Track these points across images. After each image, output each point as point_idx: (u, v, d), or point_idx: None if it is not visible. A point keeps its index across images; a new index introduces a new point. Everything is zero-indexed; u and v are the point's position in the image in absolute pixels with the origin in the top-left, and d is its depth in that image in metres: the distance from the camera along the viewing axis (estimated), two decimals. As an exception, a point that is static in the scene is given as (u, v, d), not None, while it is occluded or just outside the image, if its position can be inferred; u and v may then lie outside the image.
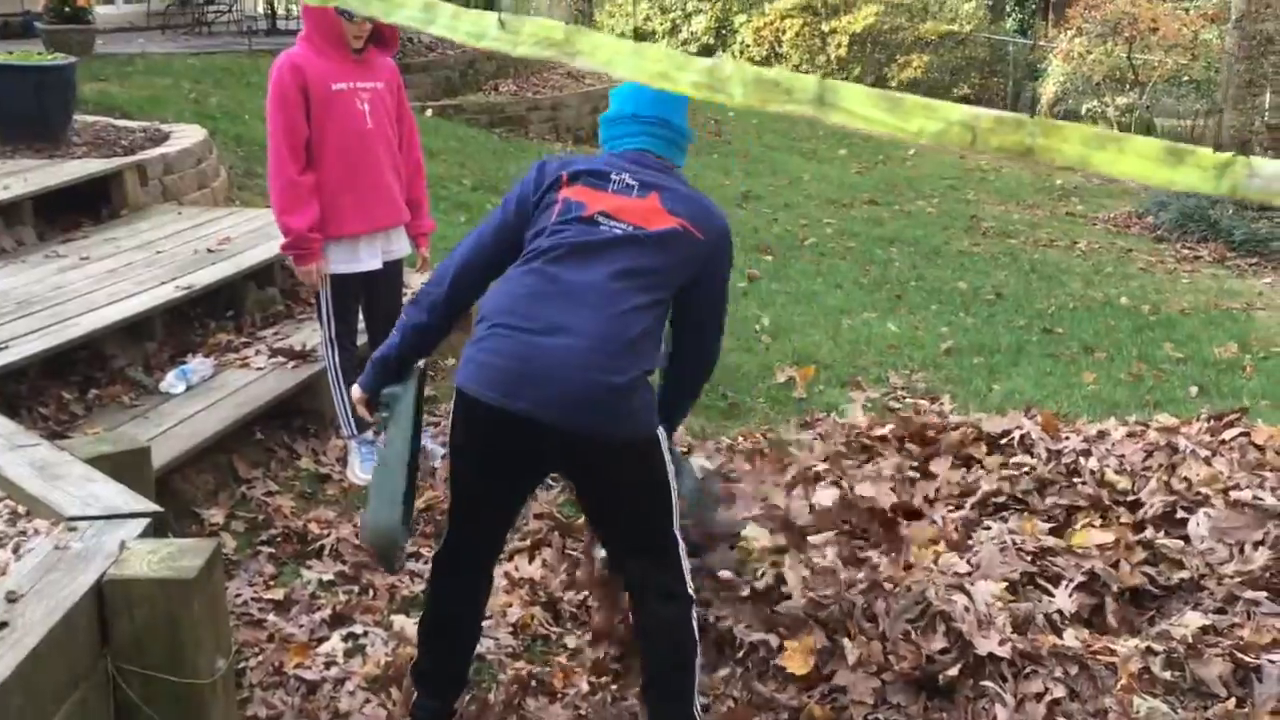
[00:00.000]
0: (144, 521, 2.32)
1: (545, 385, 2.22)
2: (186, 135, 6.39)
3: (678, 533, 2.39)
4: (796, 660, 2.57)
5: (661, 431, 2.36)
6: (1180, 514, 2.99)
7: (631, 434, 2.29)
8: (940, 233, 9.40)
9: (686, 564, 2.41)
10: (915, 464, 3.44)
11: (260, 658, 2.85)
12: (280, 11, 12.61)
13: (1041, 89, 14.90)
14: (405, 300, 4.21)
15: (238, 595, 3.11)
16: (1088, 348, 6.27)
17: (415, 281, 4.73)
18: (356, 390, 2.62)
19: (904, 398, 5.17)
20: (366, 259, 3.78)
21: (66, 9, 8.98)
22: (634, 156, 2.46)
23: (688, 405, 2.67)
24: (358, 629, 2.99)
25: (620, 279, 2.29)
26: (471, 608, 2.56)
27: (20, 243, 4.82)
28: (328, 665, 2.84)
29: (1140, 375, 5.80)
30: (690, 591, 2.40)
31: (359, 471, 3.88)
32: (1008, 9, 19.04)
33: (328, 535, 3.49)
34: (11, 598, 2.01)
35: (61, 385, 3.78)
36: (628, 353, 2.25)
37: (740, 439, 4.45)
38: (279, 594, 3.16)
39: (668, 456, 2.37)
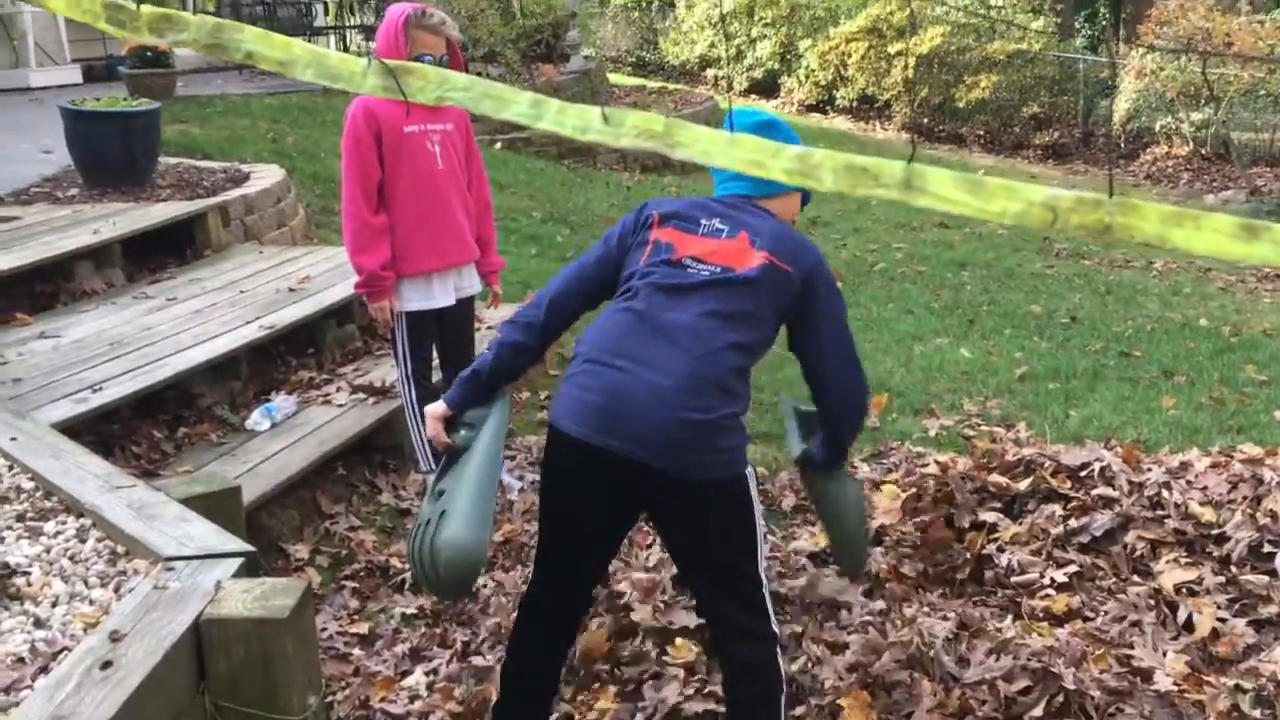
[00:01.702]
0: (237, 561, 2.40)
1: (634, 422, 2.24)
2: (265, 175, 6.56)
3: (762, 573, 2.39)
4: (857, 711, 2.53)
5: (750, 472, 2.36)
6: (1267, 548, 2.93)
7: (718, 474, 2.29)
8: (1012, 255, 9.30)
9: (770, 604, 2.41)
10: (997, 503, 3.41)
11: (347, 692, 2.91)
12: (352, 50, 12.89)
13: (1114, 106, 14.69)
14: (479, 336, 4.31)
15: (323, 630, 3.19)
16: (1167, 371, 6.16)
17: (488, 317, 4.83)
18: (440, 406, 2.56)
19: (978, 425, 5.12)
20: (440, 296, 3.86)
21: (149, 53, 9.28)
22: (730, 200, 2.48)
23: (839, 445, 2.63)
24: (440, 664, 3.04)
25: (710, 319, 2.30)
26: (553, 657, 2.56)
27: (110, 284, 4.98)
28: (412, 700, 2.89)
29: (1222, 399, 5.68)
30: (774, 629, 2.39)
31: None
32: (1077, 26, 18.83)
33: (409, 570, 3.55)
34: (115, 637, 2.09)
35: (152, 424, 3.90)
36: (716, 392, 2.26)
37: (813, 470, 4.45)
38: (363, 628, 3.22)
39: (755, 497, 2.37)
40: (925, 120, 15.62)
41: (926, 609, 2.79)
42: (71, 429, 3.41)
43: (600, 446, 2.26)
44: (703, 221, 2.43)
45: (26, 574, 2.45)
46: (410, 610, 3.34)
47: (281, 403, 4.14)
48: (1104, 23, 20.63)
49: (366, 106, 3.71)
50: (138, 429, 3.83)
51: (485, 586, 3.45)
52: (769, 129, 2.49)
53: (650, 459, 2.24)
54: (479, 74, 10.88)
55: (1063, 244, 9.88)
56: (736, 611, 2.36)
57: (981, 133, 15.45)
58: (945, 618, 2.70)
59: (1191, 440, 4.77)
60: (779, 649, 2.41)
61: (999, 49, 15.21)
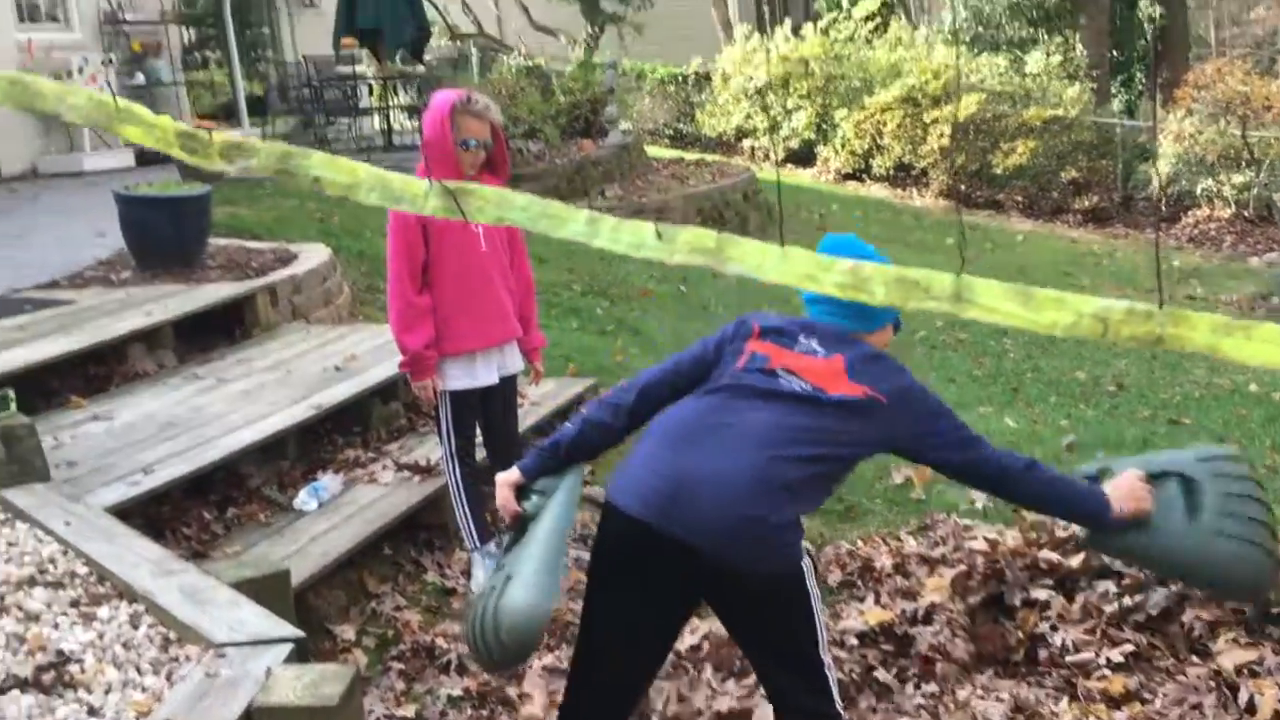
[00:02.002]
0: (287, 646, 2.41)
1: (697, 510, 2.25)
2: (313, 255, 6.68)
3: (824, 655, 2.37)
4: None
5: (808, 563, 2.36)
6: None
7: (776, 567, 2.29)
8: (1055, 321, 9.24)
9: (834, 685, 2.39)
10: (1049, 580, 3.35)
11: (394, 777, 2.89)
12: (395, 127, 13.17)
13: (1153, 170, 14.66)
14: (521, 412, 4.33)
15: (370, 712, 3.18)
16: (1218, 439, 6.07)
17: (530, 393, 4.84)
18: (513, 473, 2.57)
19: (1026, 497, 5.06)
20: (483, 375, 3.90)
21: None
22: (821, 326, 2.51)
23: (1084, 522, 2.70)
24: (487, 748, 3.02)
25: (791, 429, 2.32)
26: None
27: (161, 366, 5.07)
28: (459, 784, 2.87)
29: (1276, 468, 5.58)
30: (839, 711, 2.37)
31: (483, 584, 3.94)
32: (1113, 91, 18.88)
33: (454, 650, 3.54)
34: (167, 727, 2.10)
35: (202, 505, 3.94)
36: (782, 493, 2.27)
37: (860, 543, 4.42)
38: (410, 710, 3.21)
39: (813, 584, 2.37)
40: (963, 187, 15.66)
41: (980, 691, 2.74)
42: (124, 511, 3.46)
43: (663, 531, 2.26)
44: (801, 339, 2.47)
45: (80, 661, 2.48)
46: (456, 692, 3.32)
47: (328, 482, 4.18)
48: (1140, 88, 20.67)
49: None
50: (188, 510, 3.88)
51: (530, 666, 3.44)
52: (848, 249, 2.54)
53: (710, 549, 2.23)
54: (519, 150, 11.06)
55: (1106, 309, 9.81)
56: (801, 694, 2.35)
57: (1020, 198, 15.45)
58: (999, 700, 2.65)
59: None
60: None
61: (1035, 115, 15.26)
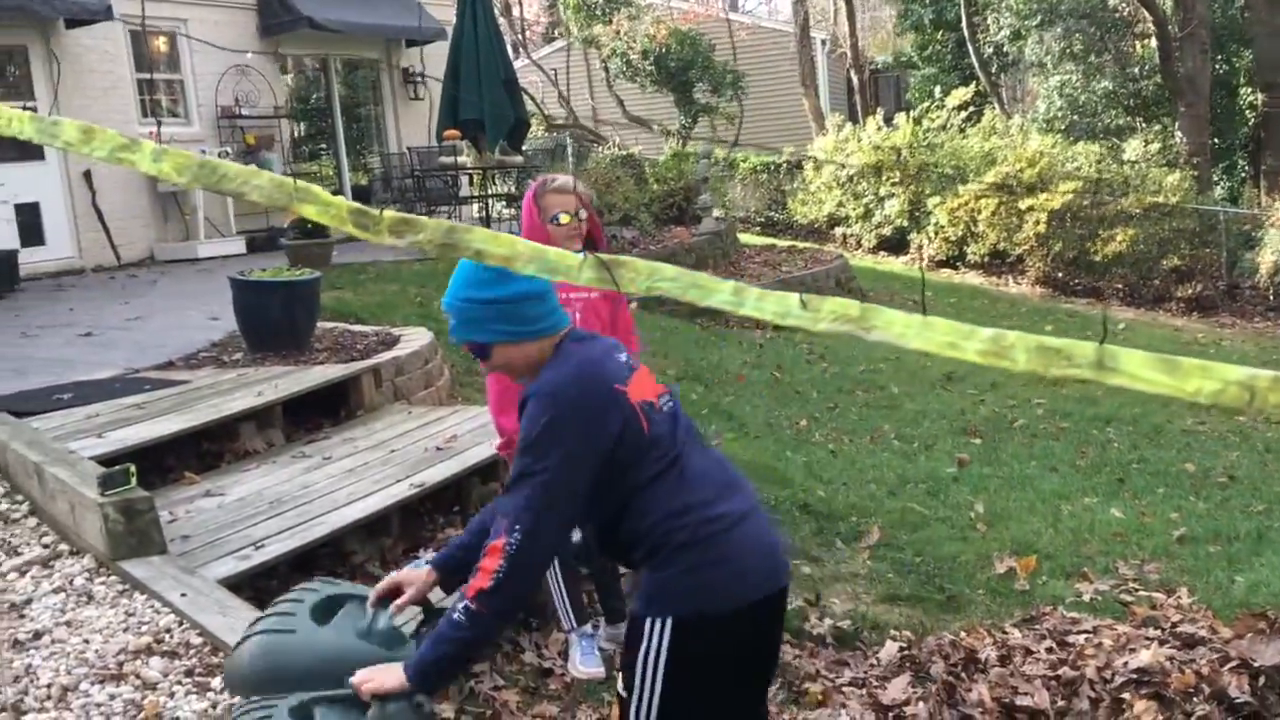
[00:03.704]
0: (394, 721, 2.43)
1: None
2: (414, 338, 6.85)
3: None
4: None
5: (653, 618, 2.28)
6: None
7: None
8: (1160, 411, 9.01)
9: None
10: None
11: None
12: (494, 215, 13.51)
13: (1259, 258, 14.32)
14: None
15: (469, 792, 3.18)
16: (1340, 535, 5.83)
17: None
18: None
19: (1136, 590, 4.91)
20: None
21: (308, 225, 9.90)
22: (579, 334, 2.45)
23: None
24: (586, 832, 2.99)
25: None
26: None
27: (270, 444, 5.22)
28: None
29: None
30: None
31: (580, 665, 3.94)
32: (1215, 179, 18.57)
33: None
34: (280, 796, 2.13)
35: (307, 581, 4.02)
36: None
37: (963, 634, 4.32)
38: (508, 791, 3.20)
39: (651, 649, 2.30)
40: (1060, 274, 15.46)
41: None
42: (234, 584, 3.55)
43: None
44: (615, 359, 2.36)
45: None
46: (555, 774, 3.31)
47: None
48: (1243, 175, 20.29)
49: None
50: (294, 585, 3.95)
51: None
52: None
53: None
54: (613, 237, 11.25)
55: (1214, 399, 9.53)
56: None
57: (1120, 286, 15.19)
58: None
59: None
60: None
61: (1135, 202, 15.06)
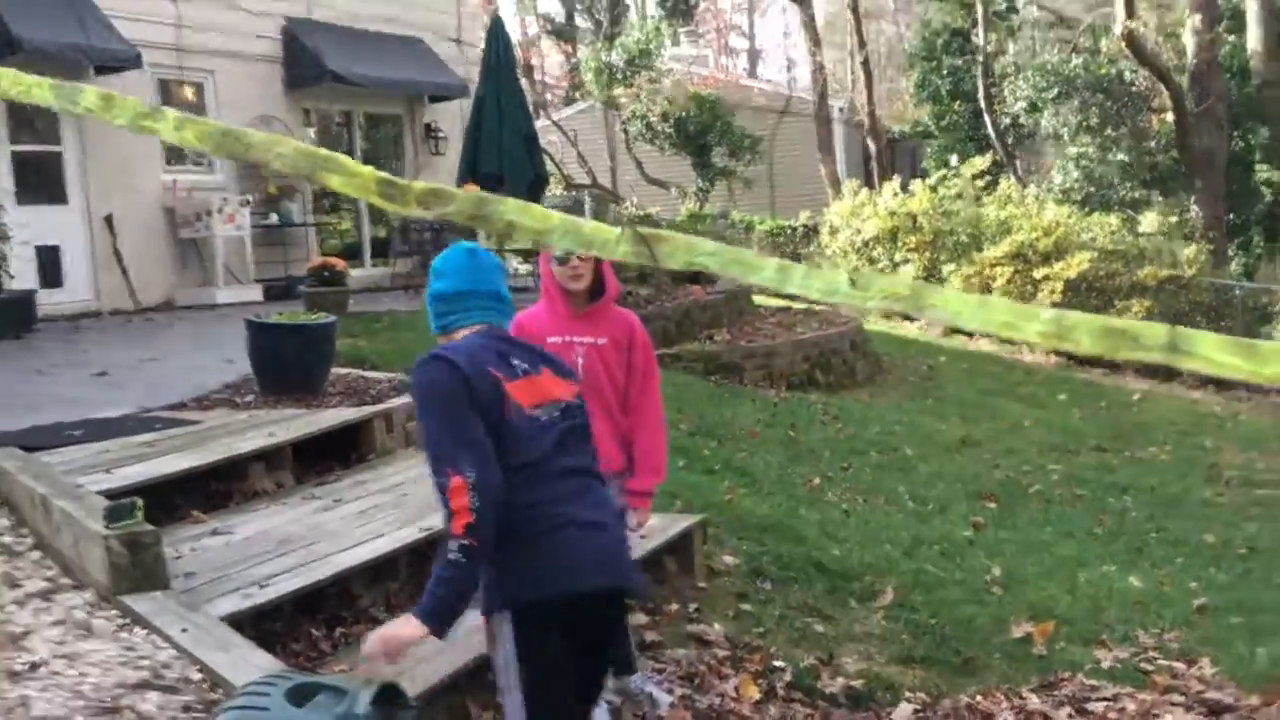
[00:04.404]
0: (397, 762, 2.36)
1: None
2: (428, 385, 6.81)
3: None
4: None
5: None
6: None
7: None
8: (1178, 481, 8.91)
9: None
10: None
11: None
12: (509, 269, 13.56)
13: (1275, 333, 14.25)
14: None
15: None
16: (1365, 610, 5.71)
17: (654, 524, 4.74)
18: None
19: (1156, 659, 4.80)
20: None
21: (326, 274, 9.94)
22: (492, 332, 2.72)
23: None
24: None
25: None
26: None
27: (280, 485, 5.17)
28: None
29: None
30: None
31: None
32: (1230, 254, 18.57)
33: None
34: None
35: (311, 623, 3.95)
36: None
37: (979, 698, 4.22)
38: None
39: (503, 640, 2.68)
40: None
41: None
42: (237, 622, 3.48)
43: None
44: (513, 362, 2.64)
45: (192, 764, 2.46)
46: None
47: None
48: (1259, 250, 20.30)
49: (518, 320, 3.83)
50: (298, 626, 3.88)
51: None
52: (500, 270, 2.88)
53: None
54: (629, 293, 11.26)
55: (1233, 471, 9.44)
56: None
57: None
58: None
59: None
60: None
61: (1150, 274, 15.05)
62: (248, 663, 2.98)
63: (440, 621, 2.43)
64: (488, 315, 2.72)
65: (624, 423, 3.93)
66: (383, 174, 1.26)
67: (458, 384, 2.51)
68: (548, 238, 1.21)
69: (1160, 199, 18.18)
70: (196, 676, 2.96)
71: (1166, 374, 14.77)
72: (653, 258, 1.18)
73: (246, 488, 5.03)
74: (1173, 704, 3.39)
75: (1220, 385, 14.48)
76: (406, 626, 2.45)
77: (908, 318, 17.19)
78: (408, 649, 2.50)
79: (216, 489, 4.95)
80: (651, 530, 5.00)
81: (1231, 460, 9.98)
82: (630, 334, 3.93)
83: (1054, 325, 1.27)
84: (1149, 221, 16.66)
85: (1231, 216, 19.17)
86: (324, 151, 1.29)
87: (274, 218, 12.97)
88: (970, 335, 16.35)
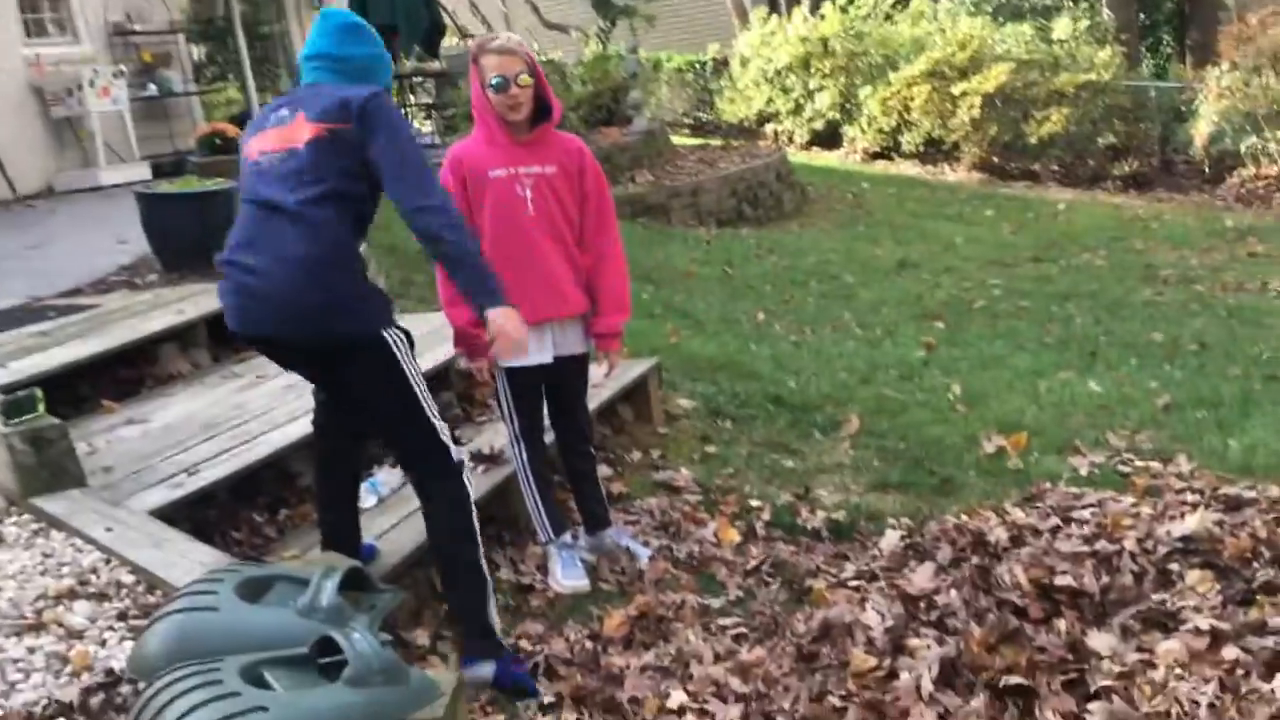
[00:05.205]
0: (374, 653, 2.06)
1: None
2: (345, 248, 6.34)
3: (433, 419, 2.89)
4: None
5: (394, 335, 2.83)
6: None
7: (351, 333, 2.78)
8: (1117, 285, 8.83)
9: (448, 439, 2.91)
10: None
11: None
12: (415, 127, 12.84)
13: (1193, 130, 14.16)
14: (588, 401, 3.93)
15: (456, 726, 2.82)
16: (1323, 393, 5.67)
17: (591, 375, 4.41)
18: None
19: (1132, 461, 4.68)
20: (535, 353, 3.49)
21: (218, 141, 9.23)
22: (305, 90, 2.86)
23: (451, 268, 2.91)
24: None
25: (289, 190, 2.71)
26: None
27: (196, 365, 4.75)
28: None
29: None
30: (454, 461, 2.91)
31: (561, 578, 3.60)
32: (1142, 54, 18.39)
33: (539, 651, 3.19)
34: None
35: (251, 508, 3.61)
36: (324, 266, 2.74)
37: (965, 517, 4.05)
38: (501, 719, 2.86)
39: (401, 356, 2.84)
40: (996, 159, 15.19)
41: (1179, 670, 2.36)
42: (168, 516, 3.13)
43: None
44: (271, 115, 2.85)
45: (133, 681, 2.13)
46: (549, 699, 2.97)
47: (386, 476, 3.84)
48: (1169, 51, 20.17)
49: (454, 152, 3.49)
50: (237, 514, 3.54)
51: (628, 668, 3.08)
52: (355, 30, 2.94)
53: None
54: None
55: (1169, 270, 9.39)
56: (413, 455, 2.94)
57: (1056, 167, 14.96)
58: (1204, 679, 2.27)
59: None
60: (463, 476, 2.95)
61: (1067, 81, 14.78)
62: (187, 558, 2.64)
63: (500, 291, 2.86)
64: (313, 75, 2.89)
65: (582, 260, 3.58)
66: None
67: (238, 151, 2.98)
68: None
69: (1072, 4, 17.82)
70: (129, 579, 2.61)
71: (1088, 182, 14.73)
72: None
73: (159, 371, 4.61)
74: (1187, 503, 3.22)
75: (1140, 188, 14.49)
76: (509, 322, 2.79)
77: (829, 143, 16.86)
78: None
79: (126, 376, 4.51)
80: (602, 378, 4.69)
81: (1165, 259, 9.94)
82: (580, 160, 3.56)
83: None
84: (1062, 27, 16.32)
85: (1142, 17, 18.93)
86: None
87: (152, 88, 12.03)
88: (891, 159, 16.11)
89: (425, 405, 2.87)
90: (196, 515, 3.37)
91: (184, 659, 1.93)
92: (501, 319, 2.78)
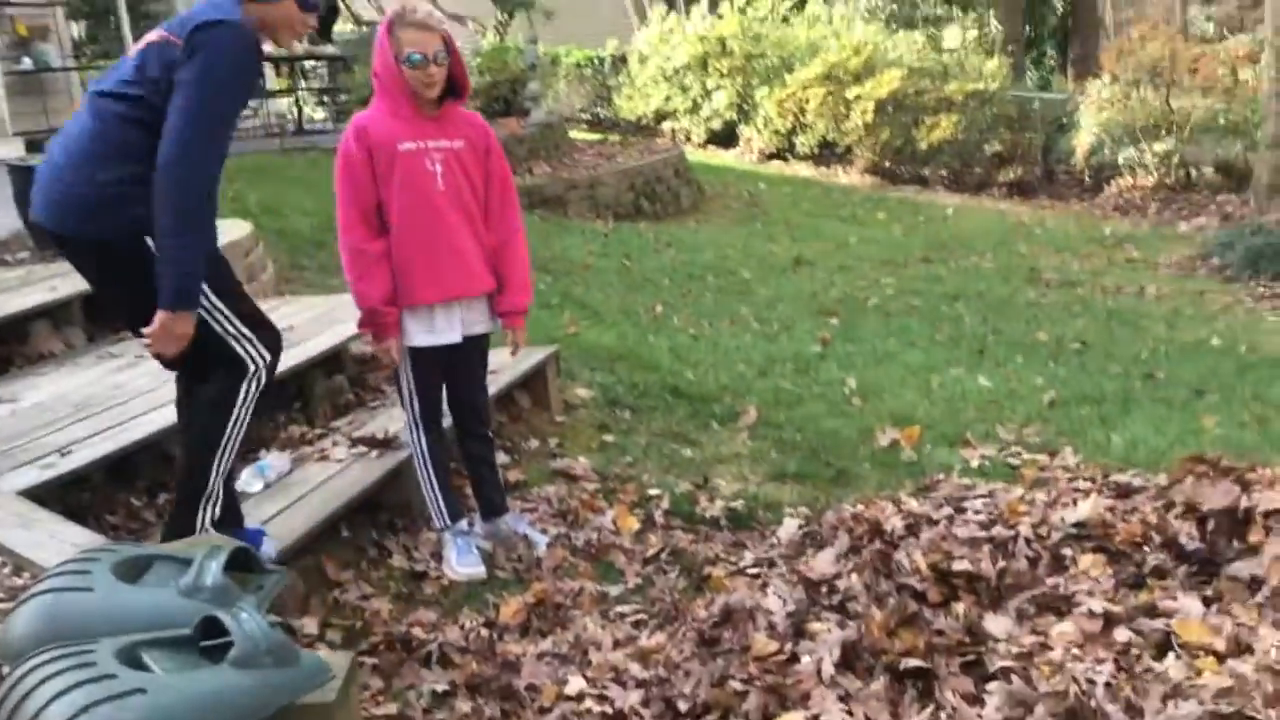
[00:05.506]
0: (262, 635, 1.95)
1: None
2: (232, 229, 6.10)
3: (230, 325, 2.83)
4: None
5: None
6: None
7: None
8: (1003, 285, 9.06)
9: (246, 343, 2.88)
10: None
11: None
12: (306, 113, 12.52)
13: (1074, 141, 14.63)
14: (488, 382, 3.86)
15: (345, 715, 2.72)
16: (1197, 391, 5.88)
17: (509, 365, 4.34)
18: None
19: (1020, 454, 4.79)
20: (444, 331, 3.44)
21: (97, 117, 8.85)
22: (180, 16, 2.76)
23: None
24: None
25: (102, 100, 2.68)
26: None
27: (70, 345, 4.52)
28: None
29: (1264, 417, 5.39)
30: (242, 356, 2.86)
31: (456, 566, 3.51)
32: (1026, 66, 18.96)
33: (433, 640, 3.10)
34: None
35: (128, 491, 3.44)
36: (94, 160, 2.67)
37: (861, 507, 4.07)
38: (391, 709, 2.76)
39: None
40: (887, 164, 15.48)
41: (1075, 651, 2.39)
42: (38, 498, 2.95)
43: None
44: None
45: (-2, 667, 1.98)
46: (441, 687, 2.88)
47: (274, 460, 3.69)
48: (1052, 64, 20.84)
49: (358, 124, 3.38)
50: (112, 496, 3.37)
51: (524, 655, 3.01)
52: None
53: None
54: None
55: (1051, 273, 9.67)
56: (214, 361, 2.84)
57: (945, 173, 15.32)
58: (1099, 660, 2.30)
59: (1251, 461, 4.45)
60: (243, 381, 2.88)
61: (957, 89, 15.14)
62: (57, 539, 2.49)
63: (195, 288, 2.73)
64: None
65: (488, 238, 3.50)
66: None
67: None
68: None
69: (961, 15, 18.29)
70: (-7, 562, 2.45)
71: (975, 188, 15.11)
72: None
73: (29, 351, 4.38)
74: (1080, 490, 3.28)
75: (1024, 195, 14.92)
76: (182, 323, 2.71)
77: (725, 143, 16.97)
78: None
79: (-7, 355, 4.27)
80: (503, 365, 4.61)
81: (1048, 263, 10.24)
82: (486, 139, 3.51)
83: None
84: (952, 37, 16.74)
85: (1028, 29, 19.52)
86: None
87: (27, 62, 11.49)
88: (786, 160, 16.29)
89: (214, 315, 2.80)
90: (70, 498, 3.19)
91: (54, 641, 1.81)
92: (170, 323, 2.67)
